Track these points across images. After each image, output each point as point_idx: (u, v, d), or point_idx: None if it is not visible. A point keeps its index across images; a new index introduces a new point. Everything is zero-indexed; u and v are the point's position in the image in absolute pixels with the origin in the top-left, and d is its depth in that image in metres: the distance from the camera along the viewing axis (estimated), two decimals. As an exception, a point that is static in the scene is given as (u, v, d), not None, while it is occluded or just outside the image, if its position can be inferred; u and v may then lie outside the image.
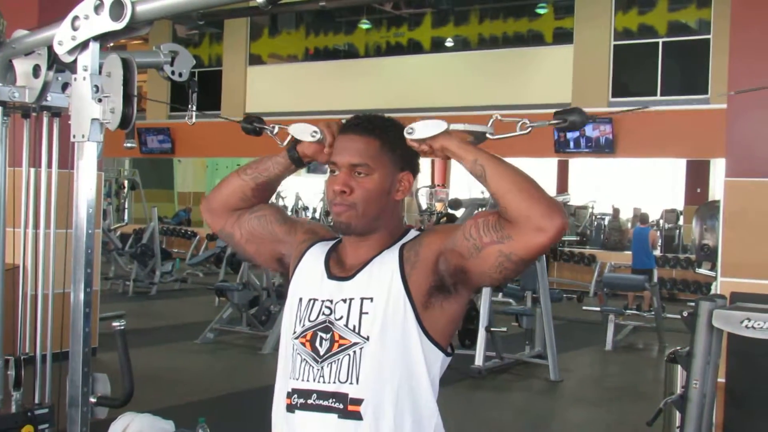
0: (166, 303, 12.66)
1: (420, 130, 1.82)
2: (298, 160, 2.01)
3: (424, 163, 22.40)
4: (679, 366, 4.22)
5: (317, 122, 1.97)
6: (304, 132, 1.96)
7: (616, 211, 17.61)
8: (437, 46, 16.08)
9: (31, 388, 3.82)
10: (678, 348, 4.18)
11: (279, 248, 2.04)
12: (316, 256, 1.96)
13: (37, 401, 3.80)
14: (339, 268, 1.92)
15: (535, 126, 1.85)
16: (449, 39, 16.22)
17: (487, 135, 1.88)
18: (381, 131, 1.88)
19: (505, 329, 8.26)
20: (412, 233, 1.94)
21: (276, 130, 2.07)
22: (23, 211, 3.84)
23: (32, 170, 3.83)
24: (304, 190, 22.27)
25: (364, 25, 16.62)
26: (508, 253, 1.74)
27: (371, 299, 1.83)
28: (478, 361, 7.77)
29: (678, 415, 3.98)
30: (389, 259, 1.87)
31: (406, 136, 1.83)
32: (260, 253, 2.07)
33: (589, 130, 13.04)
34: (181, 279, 14.23)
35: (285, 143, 2.02)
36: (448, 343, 1.89)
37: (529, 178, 1.76)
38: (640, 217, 13.87)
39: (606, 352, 9.67)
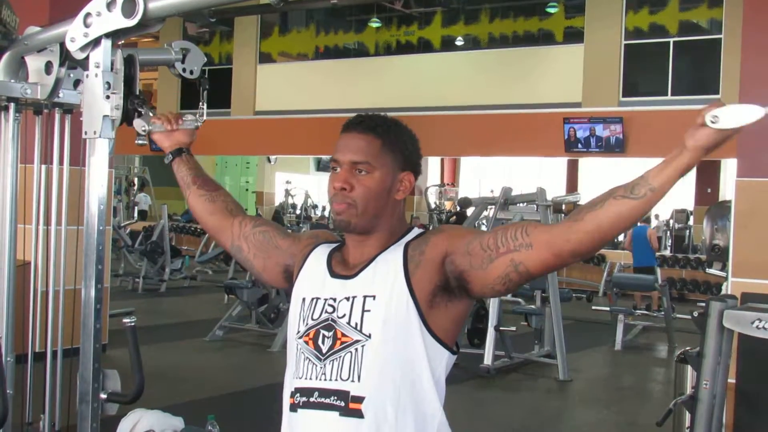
0: (176, 300, 12.70)
1: (727, 118, 1.53)
2: (173, 152, 2.27)
3: (434, 162, 22.45)
4: (689, 366, 4.21)
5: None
6: (138, 126, 2.29)
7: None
8: (447, 44, 16.06)
9: (41, 386, 3.83)
10: (688, 348, 4.17)
11: (284, 259, 2.06)
12: (318, 258, 1.97)
13: (47, 402, 3.81)
14: (342, 267, 1.92)
15: None
16: (459, 38, 16.19)
17: None
18: (383, 130, 1.89)
19: (514, 328, 8.26)
20: (416, 231, 1.94)
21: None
22: (34, 208, 3.84)
23: (44, 167, 3.84)
24: (313, 188, 22.34)
25: (374, 23, 16.61)
26: (517, 263, 1.73)
27: (374, 297, 1.83)
28: (487, 360, 7.77)
29: (688, 415, 3.97)
30: (393, 257, 1.86)
31: (708, 124, 1.56)
32: (267, 268, 2.10)
33: (600, 130, 13.00)
34: (191, 276, 14.26)
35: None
36: (454, 341, 1.88)
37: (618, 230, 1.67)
38: (638, 216, 13.84)
39: (615, 352, 9.65)
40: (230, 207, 2.22)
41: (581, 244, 1.65)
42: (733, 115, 1.52)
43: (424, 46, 16.16)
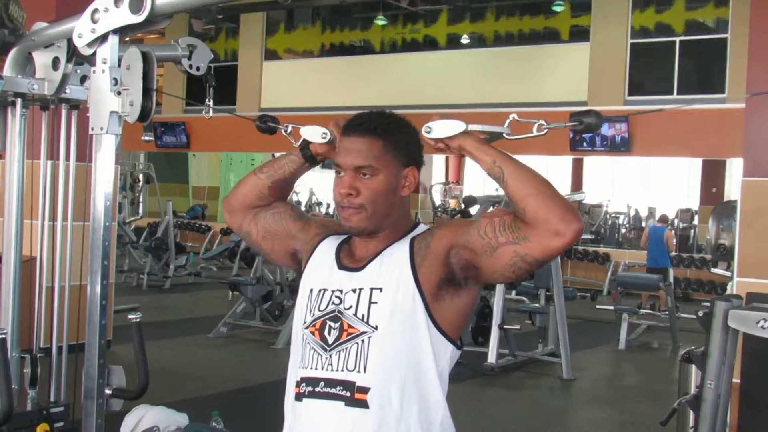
0: (180, 297, 12.70)
1: (437, 130, 1.84)
2: (311, 158, 2.06)
3: (439, 160, 22.43)
4: (693, 366, 4.20)
5: (327, 122, 1.99)
6: (314, 134, 2.01)
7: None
8: (453, 42, 16.04)
9: (46, 381, 3.84)
10: (693, 348, 4.16)
11: (292, 244, 2.07)
12: (327, 249, 1.99)
13: (53, 395, 3.82)
14: (350, 260, 1.94)
15: (552, 128, 1.87)
16: (465, 36, 16.17)
17: (504, 135, 1.90)
18: (383, 130, 1.90)
19: (518, 327, 8.25)
20: (422, 227, 1.97)
21: (290, 129, 2.12)
22: (41, 204, 3.85)
23: (50, 163, 3.85)
24: (318, 186, 22.31)
25: (380, 21, 16.59)
26: (523, 254, 1.76)
27: (380, 289, 1.85)
28: (491, 358, 7.77)
29: (692, 415, 3.96)
30: (399, 251, 1.89)
31: (423, 134, 1.84)
32: (275, 250, 2.11)
33: (605, 129, 12.98)
34: (195, 273, 14.27)
35: (298, 143, 2.06)
36: (458, 336, 1.90)
37: (546, 181, 1.78)
38: (660, 217, 13.81)
39: (619, 351, 9.64)
40: (257, 205, 2.09)
41: (551, 210, 1.73)
42: (442, 127, 1.83)
43: (430, 44, 16.16)
